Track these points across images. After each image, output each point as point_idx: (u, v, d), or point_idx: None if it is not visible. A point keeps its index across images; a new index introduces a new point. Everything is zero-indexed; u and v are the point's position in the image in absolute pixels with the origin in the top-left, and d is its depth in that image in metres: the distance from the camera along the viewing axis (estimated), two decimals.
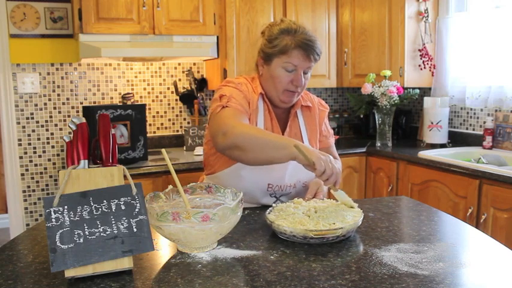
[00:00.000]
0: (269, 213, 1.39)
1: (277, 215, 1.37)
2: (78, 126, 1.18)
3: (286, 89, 1.64)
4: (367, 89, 3.22)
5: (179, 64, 3.51)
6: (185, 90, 3.45)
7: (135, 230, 1.08)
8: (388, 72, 3.21)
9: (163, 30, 3.03)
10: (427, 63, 3.24)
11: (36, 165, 3.21)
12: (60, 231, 1.04)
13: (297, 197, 1.57)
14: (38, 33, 3.11)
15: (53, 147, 3.23)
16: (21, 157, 3.17)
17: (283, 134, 1.72)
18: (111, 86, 3.34)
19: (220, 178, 1.68)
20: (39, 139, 3.20)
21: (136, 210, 1.10)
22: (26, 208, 3.21)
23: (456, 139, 3.26)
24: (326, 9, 3.54)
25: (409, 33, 3.20)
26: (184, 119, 3.57)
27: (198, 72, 3.56)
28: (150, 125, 3.45)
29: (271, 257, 1.17)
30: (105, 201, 1.09)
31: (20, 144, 3.16)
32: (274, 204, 1.46)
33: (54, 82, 3.19)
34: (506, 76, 2.86)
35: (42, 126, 3.19)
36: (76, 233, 1.05)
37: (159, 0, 2.98)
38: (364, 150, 3.30)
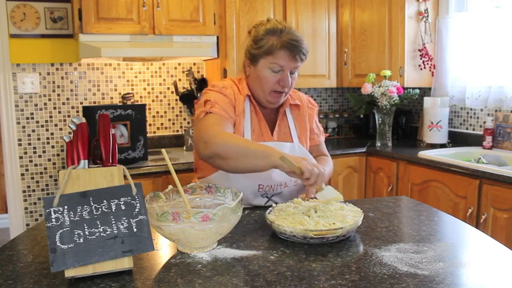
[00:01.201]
0: (269, 213, 1.39)
1: (277, 215, 1.37)
2: (78, 126, 1.18)
3: (273, 89, 1.64)
4: (367, 89, 3.22)
5: (179, 64, 3.51)
6: (185, 90, 3.45)
7: (135, 230, 1.08)
8: (388, 72, 3.21)
9: (163, 30, 3.03)
10: (427, 63, 3.24)
11: (36, 165, 3.21)
12: (60, 231, 1.04)
13: (295, 197, 1.57)
14: (38, 33, 3.11)
15: (53, 147, 3.23)
16: (21, 157, 3.17)
17: (272, 134, 1.71)
18: (111, 86, 3.34)
19: (211, 182, 1.66)
20: (39, 139, 3.20)
21: (136, 210, 1.10)
22: (26, 208, 3.21)
23: (456, 139, 3.26)
24: (326, 9, 3.54)
25: (409, 33, 3.19)
26: (184, 119, 3.57)
27: (198, 72, 3.56)
28: (150, 125, 3.45)
29: (271, 257, 1.17)
30: (105, 201, 1.09)
31: (20, 144, 3.16)
32: (274, 205, 1.47)
33: (54, 82, 3.20)
34: (506, 76, 2.86)
35: (42, 126, 3.20)
36: (76, 233, 1.05)
37: (159, 0, 2.98)
38: (364, 150, 3.30)
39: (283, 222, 1.31)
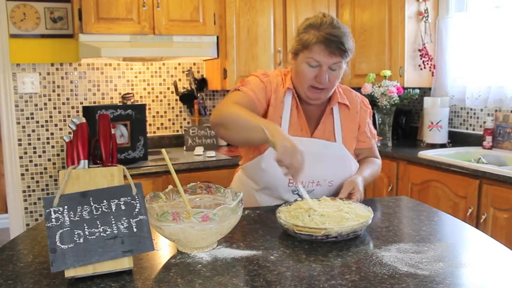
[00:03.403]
0: (283, 206, 1.44)
1: (287, 209, 1.41)
2: (78, 126, 1.18)
3: (311, 85, 1.59)
4: (367, 89, 3.22)
5: (179, 64, 3.51)
6: (185, 90, 3.45)
7: (135, 230, 1.08)
8: (388, 72, 3.21)
9: (163, 30, 3.03)
10: (427, 63, 3.24)
11: (36, 165, 3.21)
12: (60, 231, 1.04)
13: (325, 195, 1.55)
14: (38, 33, 3.11)
15: (53, 147, 3.23)
16: (21, 157, 3.17)
17: (314, 131, 1.67)
18: (111, 86, 3.34)
19: (245, 170, 1.72)
20: (39, 139, 3.20)
21: (136, 210, 1.10)
22: (26, 208, 3.21)
23: (456, 139, 3.25)
24: (326, 9, 3.54)
25: (409, 33, 3.19)
26: (184, 119, 3.57)
27: (198, 72, 3.56)
28: (150, 125, 3.45)
29: (271, 257, 1.17)
30: (105, 201, 1.09)
31: (20, 144, 3.16)
32: (299, 198, 1.49)
33: (54, 82, 3.20)
34: (506, 76, 2.86)
35: (42, 126, 3.19)
36: (76, 233, 1.05)
37: (159, 0, 2.98)
38: None
39: (283, 215, 1.35)
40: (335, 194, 1.62)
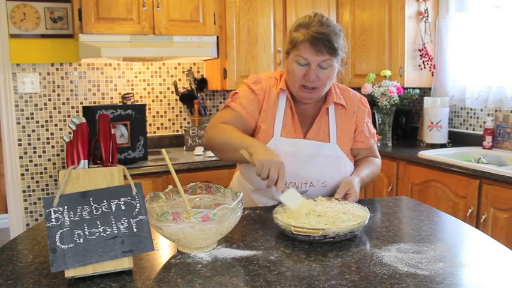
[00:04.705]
0: (279, 207, 1.43)
1: (283, 209, 1.41)
2: (78, 126, 1.18)
3: (301, 84, 1.59)
4: (367, 89, 3.22)
5: (179, 64, 3.51)
6: (185, 90, 3.45)
7: (135, 230, 1.08)
8: (388, 72, 3.21)
9: (163, 30, 3.03)
10: (427, 63, 3.24)
11: (36, 165, 3.21)
12: (60, 231, 1.04)
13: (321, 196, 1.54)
14: (38, 33, 3.11)
15: (53, 147, 3.23)
16: (21, 157, 3.17)
17: (308, 131, 1.67)
18: (111, 86, 3.34)
19: (242, 171, 1.73)
20: (39, 139, 3.20)
21: (136, 210, 1.10)
22: (26, 208, 3.21)
23: (456, 139, 3.26)
24: (326, 9, 3.54)
25: (409, 33, 3.19)
26: (184, 119, 3.57)
27: (198, 72, 3.56)
28: (150, 125, 3.45)
29: (271, 257, 1.17)
30: (105, 201, 1.09)
31: (20, 144, 3.16)
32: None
33: (54, 82, 3.20)
34: (506, 76, 2.86)
35: (42, 126, 3.20)
36: (76, 233, 1.05)
37: (159, 0, 2.98)
38: None
39: (280, 215, 1.35)
40: (329, 195, 1.61)
